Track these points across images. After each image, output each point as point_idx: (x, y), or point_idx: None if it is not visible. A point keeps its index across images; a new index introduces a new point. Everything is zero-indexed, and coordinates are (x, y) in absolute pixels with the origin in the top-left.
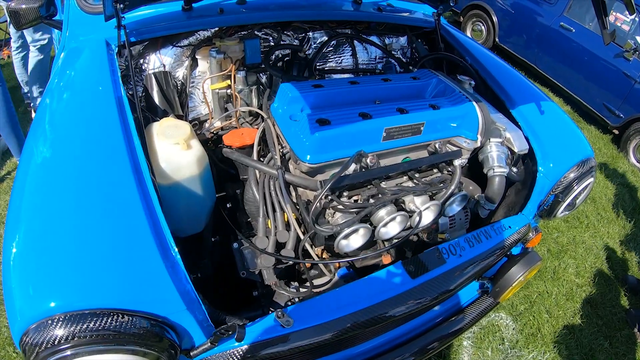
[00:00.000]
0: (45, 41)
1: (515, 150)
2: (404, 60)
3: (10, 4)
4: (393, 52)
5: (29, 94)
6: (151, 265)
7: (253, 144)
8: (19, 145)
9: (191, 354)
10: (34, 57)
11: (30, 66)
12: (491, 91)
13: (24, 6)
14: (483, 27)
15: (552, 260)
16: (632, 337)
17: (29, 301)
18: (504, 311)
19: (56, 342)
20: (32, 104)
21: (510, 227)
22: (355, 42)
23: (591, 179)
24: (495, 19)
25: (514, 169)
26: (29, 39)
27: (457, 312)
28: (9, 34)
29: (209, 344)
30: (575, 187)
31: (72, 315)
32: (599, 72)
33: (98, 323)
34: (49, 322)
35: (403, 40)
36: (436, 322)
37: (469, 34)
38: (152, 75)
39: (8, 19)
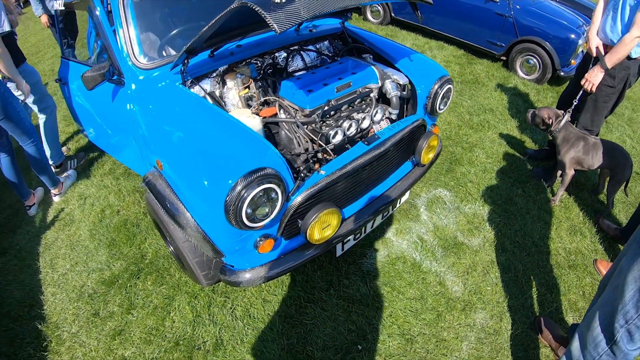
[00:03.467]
0: (51, 108)
1: (401, 83)
2: (330, 54)
3: (85, 73)
4: (323, 51)
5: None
6: (271, 153)
7: (277, 112)
8: (51, 181)
9: (289, 195)
10: (44, 121)
11: (44, 130)
12: (382, 57)
13: (94, 74)
14: (380, 7)
15: (465, 153)
16: (540, 186)
17: (220, 186)
18: (441, 187)
19: (240, 192)
20: (51, 162)
21: (408, 120)
22: (302, 52)
23: (449, 86)
24: None
25: (404, 93)
26: (35, 108)
27: (402, 179)
28: None
29: (300, 181)
30: (440, 92)
31: (242, 178)
32: (478, 17)
33: (255, 175)
34: (233, 188)
35: (327, 43)
36: (391, 185)
37: (368, 14)
38: (208, 95)
39: None
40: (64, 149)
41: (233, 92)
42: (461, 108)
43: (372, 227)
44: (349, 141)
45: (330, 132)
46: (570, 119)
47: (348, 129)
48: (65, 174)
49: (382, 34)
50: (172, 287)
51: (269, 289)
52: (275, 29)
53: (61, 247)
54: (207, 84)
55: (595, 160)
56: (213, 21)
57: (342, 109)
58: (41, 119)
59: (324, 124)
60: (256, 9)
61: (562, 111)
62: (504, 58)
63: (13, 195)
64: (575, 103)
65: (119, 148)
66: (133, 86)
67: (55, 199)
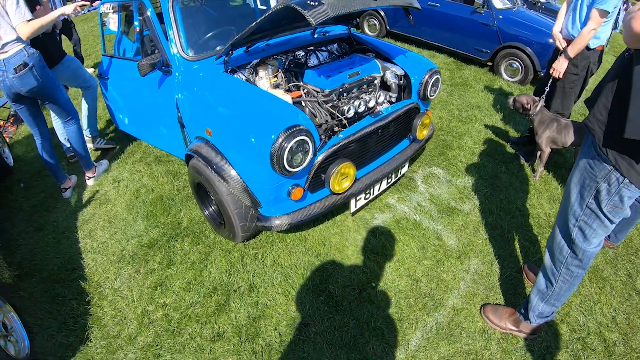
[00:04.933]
0: (94, 86)
1: (398, 73)
2: (339, 54)
3: (140, 62)
4: (333, 52)
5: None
6: (303, 116)
7: (301, 95)
8: (87, 162)
9: (317, 150)
10: (87, 97)
11: (87, 103)
12: (382, 55)
13: (148, 63)
14: (376, 21)
15: (455, 140)
16: (522, 166)
17: (263, 138)
18: (435, 166)
19: (281, 143)
20: (87, 133)
21: (405, 102)
22: (316, 51)
23: (437, 76)
24: (382, 13)
25: (401, 81)
26: (81, 87)
27: (401, 152)
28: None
29: (325, 139)
30: (430, 81)
31: (282, 132)
32: (465, 27)
33: (291, 130)
34: (276, 140)
35: (336, 45)
36: (393, 156)
37: (365, 28)
38: (247, 80)
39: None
40: (90, 145)
41: (264, 80)
42: (451, 105)
43: (379, 189)
44: (359, 117)
45: (345, 107)
46: (544, 104)
47: (358, 107)
48: (98, 163)
49: None
50: (207, 245)
51: (293, 243)
52: (311, 22)
53: (99, 221)
54: (243, 74)
55: (568, 138)
56: (259, 19)
57: (353, 91)
58: (85, 95)
59: (340, 101)
60: (297, 8)
61: (538, 97)
62: (489, 64)
63: (46, 182)
64: (547, 90)
65: (158, 133)
66: (179, 74)
67: (89, 182)
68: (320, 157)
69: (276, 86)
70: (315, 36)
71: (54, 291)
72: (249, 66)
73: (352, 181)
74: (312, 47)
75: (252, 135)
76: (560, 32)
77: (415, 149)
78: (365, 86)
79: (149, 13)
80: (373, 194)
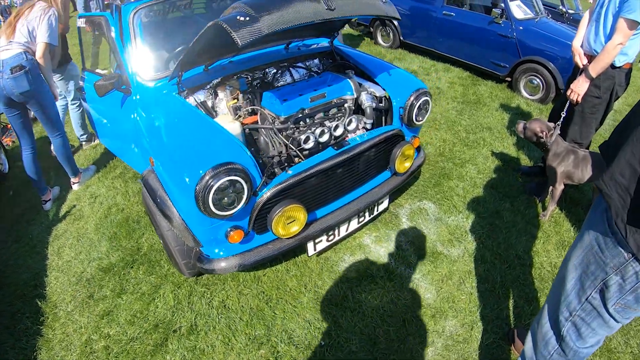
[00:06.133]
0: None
1: (377, 95)
2: (319, 71)
3: (97, 82)
4: (312, 68)
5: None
6: (241, 152)
7: (257, 120)
8: (73, 170)
9: (257, 190)
10: (77, 105)
11: (77, 111)
12: (363, 73)
13: (105, 82)
14: (390, 31)
15: (456, 169)
16: (531, 201)
17: (193, 175)
18: (426, 200)
19: (207, 181)
20: (81, 139)
21: (382, 130)
22: (291, 68)
23: (425, 98)
24: (395, 23)
25: (380, 104)
26: (71, 94)
27: (378, 186)
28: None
29: (266, 179)
30: (416, 103)
31: (211, 170)
32: (481, 39)
33: (222, 168)
34: (203, 177)
35: (317, 60)
36: (367, 191)
37: (379, 37)
38: (200, 104)
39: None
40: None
41: (224, 102)
42: (459, 126)
43: (347, 230)
44: (323, 147)
45: (301, 137)
46: (559, 132)
47: (320, 136)
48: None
49: (391, 57)
50: (160, 277)
51: (246, 283)
52: (237, 43)
53: (69, 238)
54: (201, 95)
55: (585, 173)
56: (194, 39)
57: (316, 117)
58: (75, 102)
59: (298, 130)
60: (224, 26)
61: (553, 124)
62: (508, 79)
63: (32, 192)
64: (563, 115)
65: (125, 150)
66: (137, 95)
67: (75, 187)
68: (264, 196)
69: (236, 109)
70: (290, 50)
71: (16, 307)
72: (208, 86)
73: (302, 225)
74: (285, 64)
75: (182, 169)
76: (581, 46)
77: (398, 182)
78: (334, 111)
79: (112, 33)
80: (339, 235)
